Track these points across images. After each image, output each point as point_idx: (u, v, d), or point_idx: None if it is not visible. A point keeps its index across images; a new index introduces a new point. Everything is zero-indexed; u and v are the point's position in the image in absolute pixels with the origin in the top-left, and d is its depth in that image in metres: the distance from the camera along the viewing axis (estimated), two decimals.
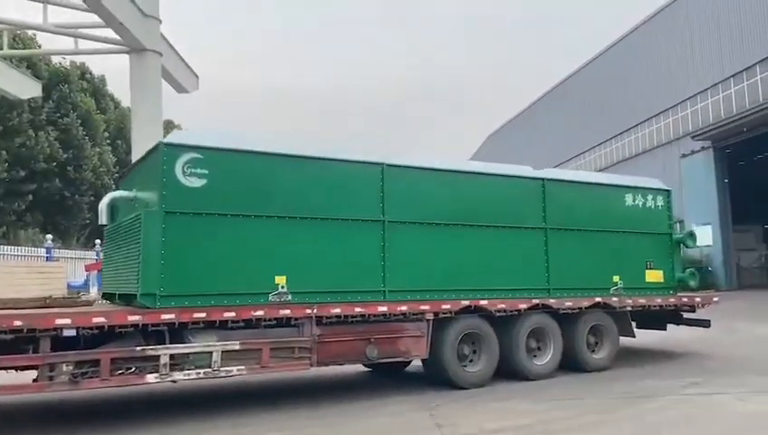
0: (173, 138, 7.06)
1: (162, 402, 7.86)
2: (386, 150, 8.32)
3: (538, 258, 8.90)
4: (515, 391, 7.91)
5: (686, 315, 10.31)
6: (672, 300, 9.83)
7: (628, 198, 9.86)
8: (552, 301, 8.74)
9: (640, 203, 9.94)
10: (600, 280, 9.32)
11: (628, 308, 9.45)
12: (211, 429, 6.39)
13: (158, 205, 6.65)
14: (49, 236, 21.88)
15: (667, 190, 10.40)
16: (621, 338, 9.69)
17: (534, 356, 8.68)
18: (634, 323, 10.07)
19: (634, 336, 9.79)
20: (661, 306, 9.69)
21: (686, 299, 9.99)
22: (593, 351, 9.22)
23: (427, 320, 7.80)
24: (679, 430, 6.03)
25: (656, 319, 10.35)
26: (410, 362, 9.19)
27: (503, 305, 8.31)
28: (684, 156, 31.94)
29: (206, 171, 6.85)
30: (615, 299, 9.28)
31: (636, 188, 10.03)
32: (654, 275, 9.82)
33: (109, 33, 17.49)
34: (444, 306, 7.89)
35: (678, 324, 10.34)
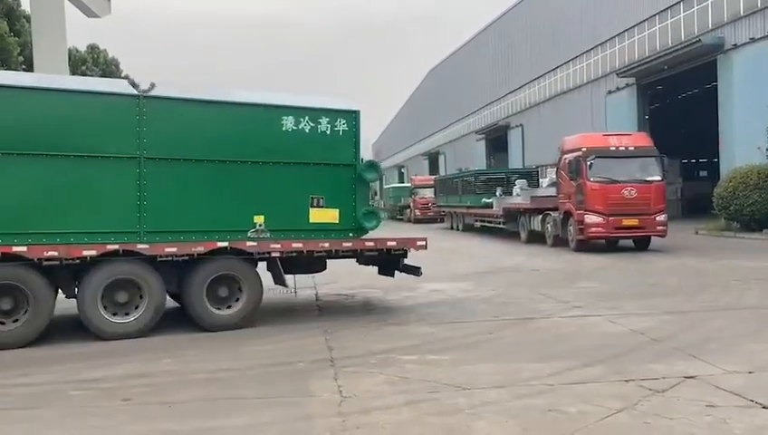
0: None
1: None
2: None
3: (126, 195, 7.42)
4: (425, 316, 8.39)
5: (405, 261, 8.96)
6: (348, 244, 8.22)
7: (288, 122, 8.09)
8: (143, 246, 7.32)
9: (308, 127, 8.17)
10: (233, 221, 7.85)
11: (275, 254, 7.95)
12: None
13: None
14: None
15: (353, 112, 8.49)
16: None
17: (126, 313, 7.34)
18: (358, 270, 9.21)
19: (286, 286, 8.43)
20: (330, 252, 8.17)
21: (371, 243, 8.38)
22: (228, 305, 7.82)
23: None
24: (552, 344, 6.67)
25: (389, 265, 9.10)
26: None
27: (53, 253, 6.91)
28: (609, 93, 32.82)
29: None
30: (251, 244, 7.79)
31: (301, 109, 8.21)
32: (323, 215, 8.23)
33: None
34: None
35: (401, 271, 9.05)
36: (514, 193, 22.59)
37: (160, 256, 7.41)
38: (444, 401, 4.86)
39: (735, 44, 24.20)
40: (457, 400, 4.88)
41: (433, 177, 42.49)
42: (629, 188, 16.03)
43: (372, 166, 8.76)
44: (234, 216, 7.88)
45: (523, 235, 20.49)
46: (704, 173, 42.73)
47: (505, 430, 4.25)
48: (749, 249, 16.33)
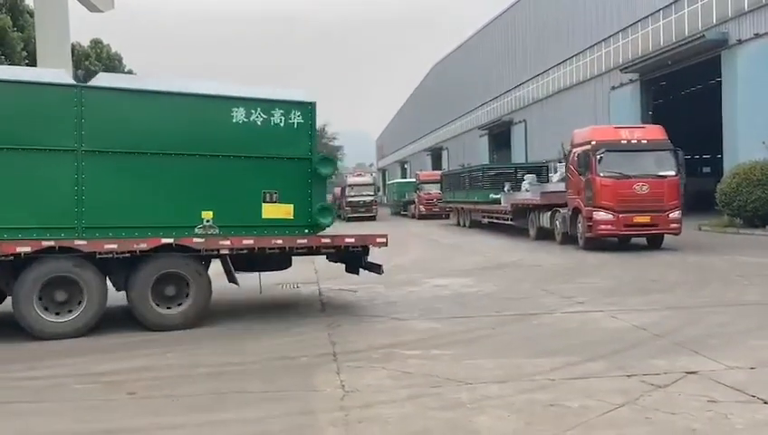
0: None
1: None
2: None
3: (63, 189, 7.19)
4: (428, 311, 8.42)
5: (368, 259, 8.75)
6: (303, 241, 7.94)
7: (238, 113, 7.79)
8: (80, 243, 7.09)
9: (260, 119, 7.88)
10: (180, 216, 7.59)
11: (225, 251, 7.73)
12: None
13: None
14: None
15: (309, 103, 8.17)
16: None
17: (64, 312, 7.13)
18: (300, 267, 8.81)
19: (237, 284, 8.15)
20: (284, 249, 7.91)
21: (327, 240, 8.16)
22: (177, 304, 7.57)
23: None
24: (554, 340, 6.69)
25: (355, 263, 8.91)
26: None
27: None
28: (613, 88, 32.76)
29: None
30: (198, 240, 7.52)
31: (252, 100, 7.91)
32: (277, 211, 7.94)
33: None
34: None
35: (364, 268, 8.84)
36: (523, 188, 21.85)
37: (100, 253, 7.15)
38: (446, 396, 4.88)
39: (740, 40, 24.14)
40: (460, 394, 4.90)
41: (439, 172, 42.31)
42: (641, 184, 15.19)
43: (328, 160, 8.44)
44: (180, 211, 7.62)
45: (532, 232, 19.82)
46: (707, 169, 42.68)
47: (508, 425, 4.28)
48: (752, 245, 16.32)
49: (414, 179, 44.44)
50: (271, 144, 7.98)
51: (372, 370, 5.63)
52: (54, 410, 4.85)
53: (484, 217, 25.49)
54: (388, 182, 71.46)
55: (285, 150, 8.05)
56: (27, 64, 30.98)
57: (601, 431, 4.11)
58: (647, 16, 30.36)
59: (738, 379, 5.09)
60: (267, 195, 7.92)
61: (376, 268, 8.74)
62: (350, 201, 40.47)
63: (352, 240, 8.37)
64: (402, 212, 44.36)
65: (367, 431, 4.20)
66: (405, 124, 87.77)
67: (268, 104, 7.95)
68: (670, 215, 15.35)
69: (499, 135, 50.05)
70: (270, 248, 7.83)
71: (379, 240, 8.44)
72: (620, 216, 15.12)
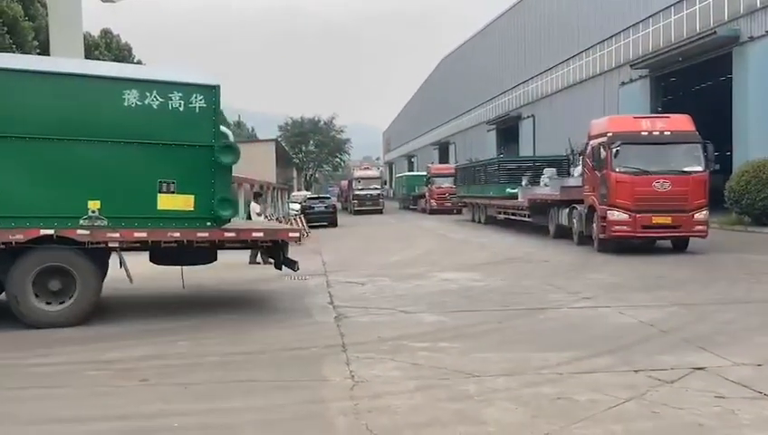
0: None
1: None
2: None
3: None
4: (436, 305, 8.45)
5: (288, 255, 8.49)
6: (204, 234, 7.50)
7: (131, 96, 7.24)
8: None
9: (156, 103, 7.31)
10: (62, 206, 7.12)
11: (114, 245, 7.38)
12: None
13: None
14: None
15: (212, 87, 7.60)
16: None
17: None
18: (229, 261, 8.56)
19: (131, 281, 7.75)
20: (182, 242, 7.49)
21: (232, 234, 7.74)
22: (63, 300, 7.22)
23: None
24: (561, 334, 6.72)
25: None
26: None
27: None
28: (623, 84, 32.61)
29: None
30: (83, 232, 7.10)
31: (147, 82, 7.40)
32: (174, 202, 7.40)
33: None
34: None
35: (286, 265, 8.54)
36: (542, 182, 20.62)
37: None
38: (454, 388, 4.93)
39: (751, 37, 23.95)
40: (468, 387, 4.95)
41: (452, 165, 41.81)
42: (662, 181, 13.55)
43: (229, 148, 7.71)
44: (63, 201, 7.12)
45: (552, 229, 18.38)
46: (716, 166, 42.43)
47: (515, 417, 4.32)
48: (760, 243, 16.25)
49: (425, 173, 43.33)
50: (168, 130, 7.41)
51: (381, 361, 5.69)
52: (68, 396, 4.94)
53: (499, 212, 24.27)
54: (396, 175, 71.39)
55: (185, 137, 7.46)
56: (39, 53, 31.08)
57: (608, 425, 4.15)
58: (657, 12, 30.17)
59: (745, 375, 5.11)
60: (164, 184, 7.38)
61: (292, 265, 8.43)
62: (357, 194, 40.51)
63: (260, 234, 8.01)
64: (411, 206, 44.07)
65: (376, 421, 4.25)
66: (412, 118, 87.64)
67: (165, 87, 7.39)
68: (695, 215, 13.74)
69: (507, 130, 49.91)
70: (165, 242, 7.46)
71: (291, 235, 8.11)
72: (637, 216, 13.59)
